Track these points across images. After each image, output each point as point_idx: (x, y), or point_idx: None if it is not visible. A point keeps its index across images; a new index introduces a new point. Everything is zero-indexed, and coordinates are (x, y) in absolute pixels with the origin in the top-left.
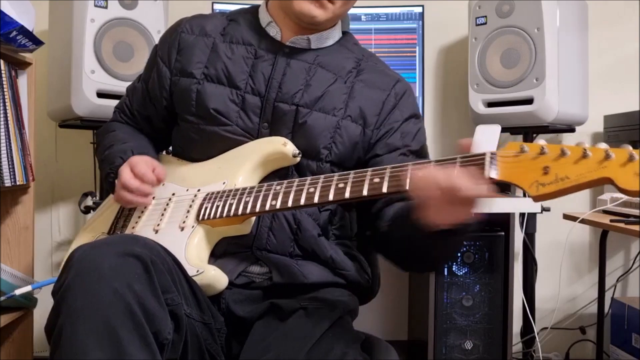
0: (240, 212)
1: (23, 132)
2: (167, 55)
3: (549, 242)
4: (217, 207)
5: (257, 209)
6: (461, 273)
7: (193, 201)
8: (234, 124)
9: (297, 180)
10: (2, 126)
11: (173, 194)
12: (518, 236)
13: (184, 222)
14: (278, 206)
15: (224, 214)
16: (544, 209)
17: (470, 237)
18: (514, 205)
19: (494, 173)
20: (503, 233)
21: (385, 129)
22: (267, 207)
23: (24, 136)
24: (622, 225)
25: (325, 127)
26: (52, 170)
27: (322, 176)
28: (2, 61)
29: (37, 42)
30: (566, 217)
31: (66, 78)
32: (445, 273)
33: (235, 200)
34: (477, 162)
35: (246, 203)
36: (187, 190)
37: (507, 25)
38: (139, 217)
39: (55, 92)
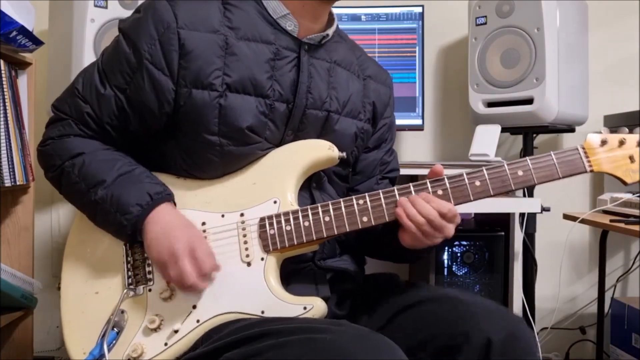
0: (325, 234)
1: (23, 132)
2: (163, 60)
3: (549, 242)
4: (288, 232)
5: (336, 231)
6: (461, 273)
7: (244, 229)
8: (264, 139)
9: (354, 197)
10: (2, 126)
11: (203, 224)
12: (518, 236)
13: (247, 255)
14: (360, 226)
15: (304, 239)
16: (544, 209)
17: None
18: (514, 205)
19: (588, 166)
20: (503, 233)
21: (382, 123)
22: (348, 228)
23: (24, 136)
24: (622, 225)
25: (351, 132)
26: None
27: (381, 192)
28: (2, 61)
29: (37, 42)
30: (566, 217)
31: (66, 78)
32: (445, 273)
33: (311, 222)
34: (572, 155)
35: (327, 223)
36: (223, 216)
37: (507, 25)
38: None
39: (55, 92)
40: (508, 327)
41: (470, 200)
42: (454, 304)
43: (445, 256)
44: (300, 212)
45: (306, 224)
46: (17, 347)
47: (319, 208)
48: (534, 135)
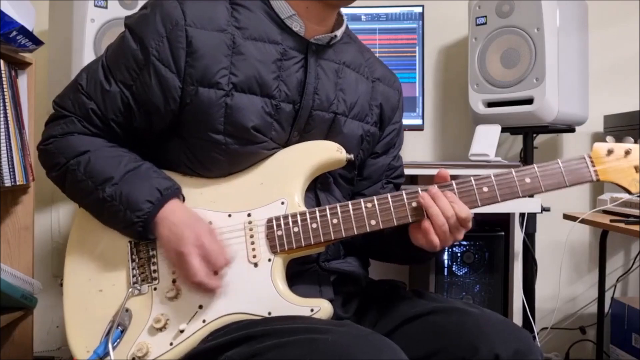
0: (332, 237)
1: (23, 132)
2: (170, 57)
3: (549, 242)
4: (296, 234)
5: (344, 234)
6: (461, 273)
7: (251, 229)
8: (269, 139)
9: (362, 200)
10: (2, 126)
11: (210, 223)
12: (518, 236)
13: (254, 256)
14: (368, 229)
15: (311, 241)
16: (544, 209)
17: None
18: (514, 205)
19: (594, 175)
20: (503, 233)
21: (391, 128)
22: (356, 231)
23: (24, 136)
24: (622, 225)
25: (358, 135)
26: None
27: (389, 195)
28: (2, 61)
29: (37, 42)
30: (566, 217)
31: (66, 78)
32: (445, 273)
33: (319, 224)
34: (579, 164)
35: (335, 226)
36: (230, 215)
37: (507, 25)
38: None
39: (55, 92)
40: (517, 343)
41: (478, 206)
42: (462, 317)
43: (445, 256)
44: (308, 214)
45: (314, 225)
46: (17, 347)
47: (327, 210)
48: (534, 135)
